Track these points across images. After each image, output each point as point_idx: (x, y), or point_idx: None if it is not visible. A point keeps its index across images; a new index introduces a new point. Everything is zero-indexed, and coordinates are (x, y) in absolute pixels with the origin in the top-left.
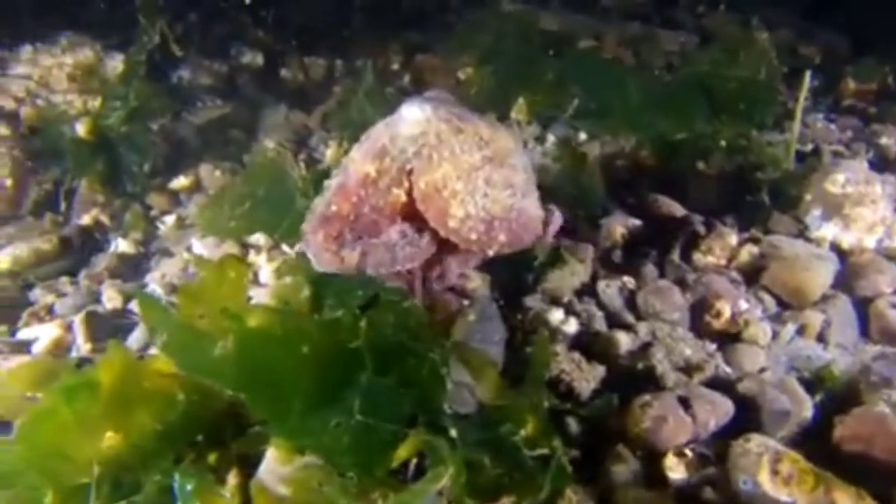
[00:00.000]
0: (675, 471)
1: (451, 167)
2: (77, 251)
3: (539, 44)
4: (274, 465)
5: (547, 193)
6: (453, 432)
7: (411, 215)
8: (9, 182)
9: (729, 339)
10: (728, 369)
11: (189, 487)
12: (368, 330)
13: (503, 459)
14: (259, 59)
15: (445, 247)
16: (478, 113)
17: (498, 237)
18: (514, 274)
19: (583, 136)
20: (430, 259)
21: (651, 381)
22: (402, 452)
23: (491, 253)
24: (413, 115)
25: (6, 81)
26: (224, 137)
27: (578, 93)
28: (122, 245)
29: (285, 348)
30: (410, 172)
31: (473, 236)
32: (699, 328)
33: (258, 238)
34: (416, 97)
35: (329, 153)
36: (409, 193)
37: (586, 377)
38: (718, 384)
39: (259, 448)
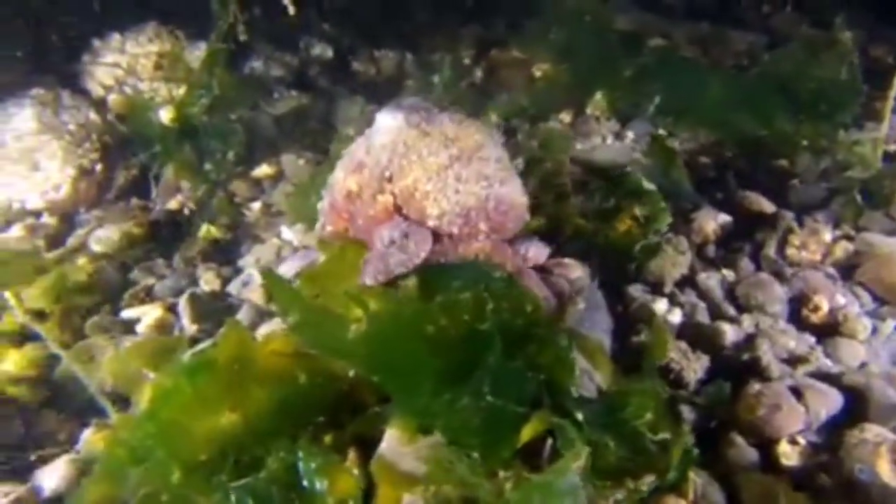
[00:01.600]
0: (789, 458)
1: (420, 170)
2: (166, 235)
3: (615, 41)
4: (396, 445)
5: None
6: (579, 415)
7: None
8: (99, 167)
9: (827, 333)
10: (829, 362)
11: (314, 465)
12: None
13: (626, 443)
14: (328, 52)
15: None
16: (449, 112)
17: (478, 225)
18: (615, 264)
19: (661, 133)
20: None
21: (756, 372)
22: (527, 434)
23: (477, 244)
24: (386, 124)
25: (95, 69)
26: (301, 128)
27: (658, 90)
28: (211, 230)
29: (412, 330)
30: (390, 179)
31: (455, 230)
32: (798, 322)
33: None
34: (390, 105)
35: None
36: (393, 196)
37: (693, 367)
38: (823, 376)
39: (376, 429)
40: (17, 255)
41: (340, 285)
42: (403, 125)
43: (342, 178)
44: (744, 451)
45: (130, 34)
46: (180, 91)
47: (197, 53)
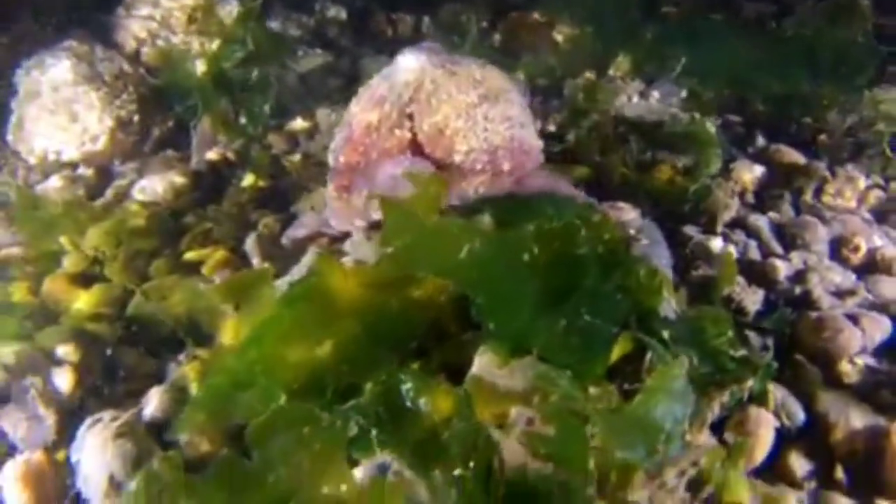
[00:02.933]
0: (850, 376)
1: (450, 108)
2: (209, 185)
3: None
4: (489, 367)
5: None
6: (665, 334)
7: (418, 151)
8: (136, 118)
9: (867, 271)
10: (870, 297)
11: (415, 386)
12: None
13: (709, 360)
14: (343, 14)
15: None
16: (470, 58)
17: (502, 164)
18: (664, 209)
19: (683, 93)
20: None
21: (808, 304)
22: (616, 352)
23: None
24: (408, 64)
25: (129, 22)
26: (326, 85)
27: (683, 51)
28: (257, 180)
29: (515, 255)
30: (411, 116)
31: (479, 166)
32: (839, 262)
33: None
34: (411, 47)
35: None
36: (413, 132)
37: (752, 298)
38: (870, 307)
39: (463, 357)
40: (68, 203)
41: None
42: (427, 65)
43: (359, 112)
44: (809, 369)
45: None
46: (213, 45)
47: (227, 8)
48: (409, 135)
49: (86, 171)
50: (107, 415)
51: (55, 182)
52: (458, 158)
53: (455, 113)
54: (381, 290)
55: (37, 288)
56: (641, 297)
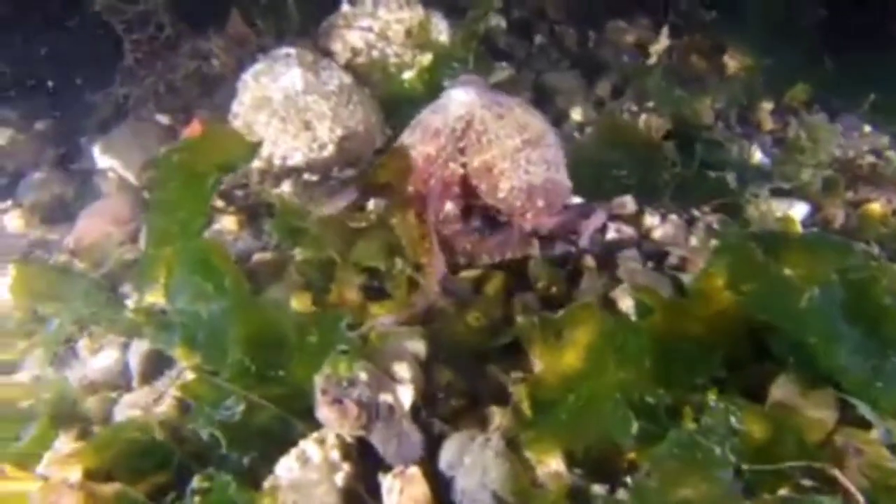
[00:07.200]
0: None
1: (497, 150)
2: None
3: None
4: (792, 395)
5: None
6: None
7: (465, 186)
8: (361, 128)
9: None
10: None
11: (743, 411)
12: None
13: None
14: (503, 24)
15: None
16: (515, 98)
17: (537, 202)
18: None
19: (867, 128)
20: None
21: None
22: None
23: (530, 216)
24: (460, 98)
25: (347, 33)
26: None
27: (866, 87)
28: None
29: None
30: (463, 150)
31: (518, 203)
32: None
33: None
34: (457, 83)
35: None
36: (464, 166)
37: None
38: None
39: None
40: (331, 218)
41: None
42: (476, 100)
43: (419, 145)
44: None
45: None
46: (424, 58)
47: (434, 21)
48: (460, 170)
49: (311, 178)
50: (479, 435)
51: (287, 187)
52: (501, 195)
53: (501, 155)
54: (694, 321)
55: (316, 298)
56: None
